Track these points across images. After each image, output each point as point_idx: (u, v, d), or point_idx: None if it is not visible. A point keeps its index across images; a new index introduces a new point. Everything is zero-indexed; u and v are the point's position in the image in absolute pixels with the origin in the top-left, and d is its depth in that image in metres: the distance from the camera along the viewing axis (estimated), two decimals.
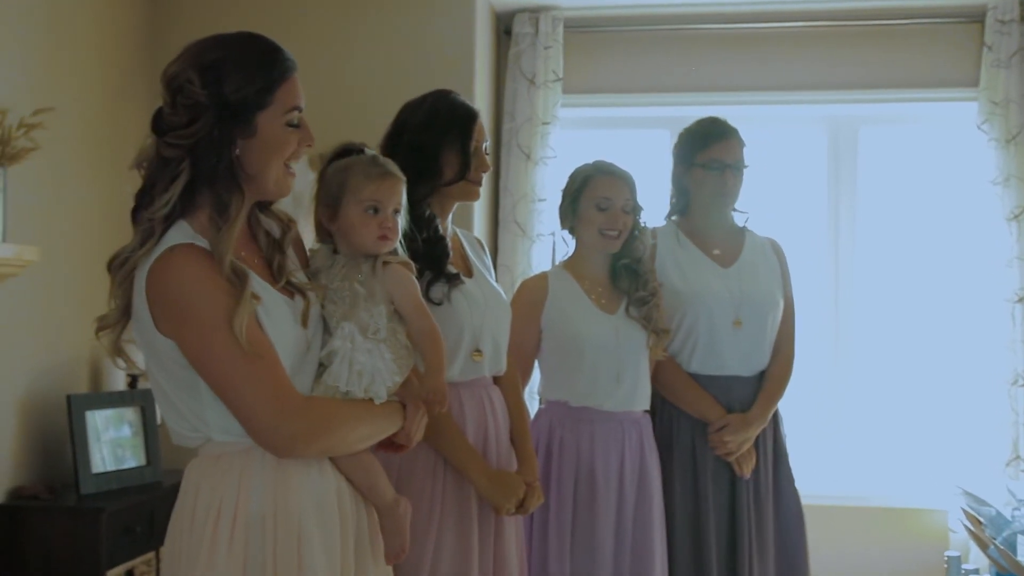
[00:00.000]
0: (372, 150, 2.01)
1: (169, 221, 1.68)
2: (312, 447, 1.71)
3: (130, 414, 3.37)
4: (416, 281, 1.95)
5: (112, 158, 3.53)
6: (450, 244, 2.39)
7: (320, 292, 1.83)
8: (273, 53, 1.76)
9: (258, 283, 1.71)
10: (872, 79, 4.07)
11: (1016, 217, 3.85)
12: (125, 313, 1.70)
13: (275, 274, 1.77)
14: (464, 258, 2.48)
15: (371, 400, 1.80)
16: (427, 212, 2.33)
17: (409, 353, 1.89)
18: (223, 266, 1.63)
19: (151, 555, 3.16)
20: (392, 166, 1.98)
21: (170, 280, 1.62)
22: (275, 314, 1.71)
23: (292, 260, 1.84)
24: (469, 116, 2.38)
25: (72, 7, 3.46)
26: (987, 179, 3.91)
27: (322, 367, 1.80)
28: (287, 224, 1.85)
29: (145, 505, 3.18)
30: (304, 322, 1.76)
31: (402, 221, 1.96)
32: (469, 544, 2.28)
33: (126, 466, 3.30)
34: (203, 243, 1.66)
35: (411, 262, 1.97)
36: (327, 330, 1.82)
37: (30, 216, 3.15)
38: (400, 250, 1.98)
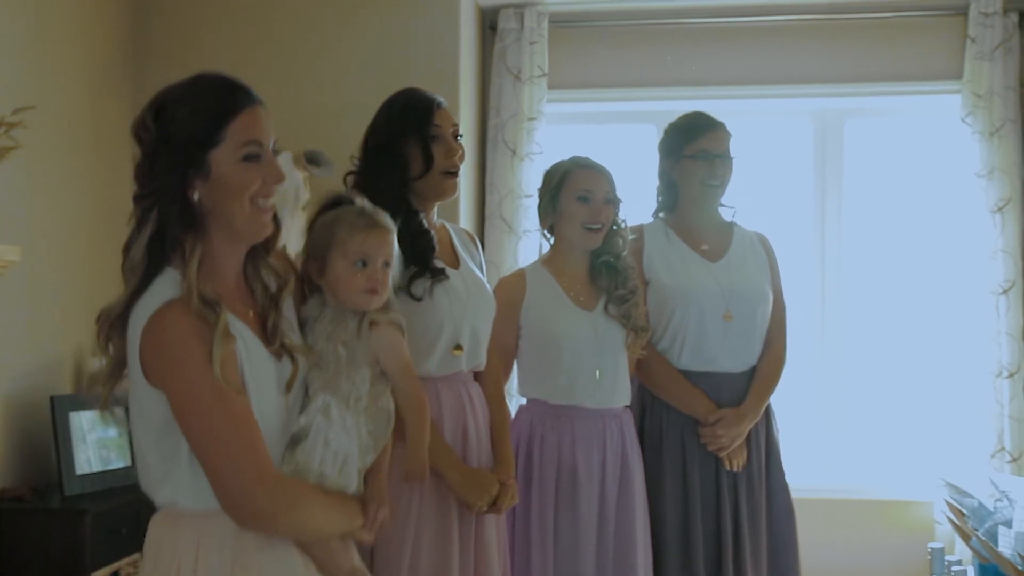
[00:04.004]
0: (362, 200, 1.96)
1: (154, 269, 1.66)
2: (275, 525, 1.69)
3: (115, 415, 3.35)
4: (404, 343, 1.92)
5: (94, 156, 3.52)
6: (435, 236, 2.39)
7: (311, 357, 1.79)
8: (224, 88, 1.71)
9: (250, 340, 1.70)
10: (857, 72, 4.08)
11: (1000, 209, 3.86)
12: (119, 365, 1.68)
13: (268, 334, 1.74)
14: (452, 250, 2.48)
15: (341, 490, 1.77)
16: (406, 206, 2.33)
17: (389, 419, 1.86)
18: (192, 304, 1.61)
19: (136, 556, 3.14)
20: (381, 217, 1.93)
21: (163, 336, 1.61)
22: (261, 377, 1.69)
23: (287, 320, 1.80)
24: (426, 105, 2.38)
25: (53, 5, 3.43)
26: (971, 171, 3.92)
27: (295, 437, 1.76)
28: (284, 279, 1.81)
29: (131, 506, 3.16)
30: (288, 388, 1.74)
31: (393, 273, 1.92)
32: (448, 542, 2.29)
33: (112, 467, 3.28)
34: None
35: (401, 321, 1.94)
36: (307, 393, 1.79)
37: (11, 216, 3.13)
38: (393, 301, 1.94)
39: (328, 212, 1.94)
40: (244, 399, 1.64)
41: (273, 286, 1.79)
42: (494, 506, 2.37)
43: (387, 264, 1.90)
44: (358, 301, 1.86)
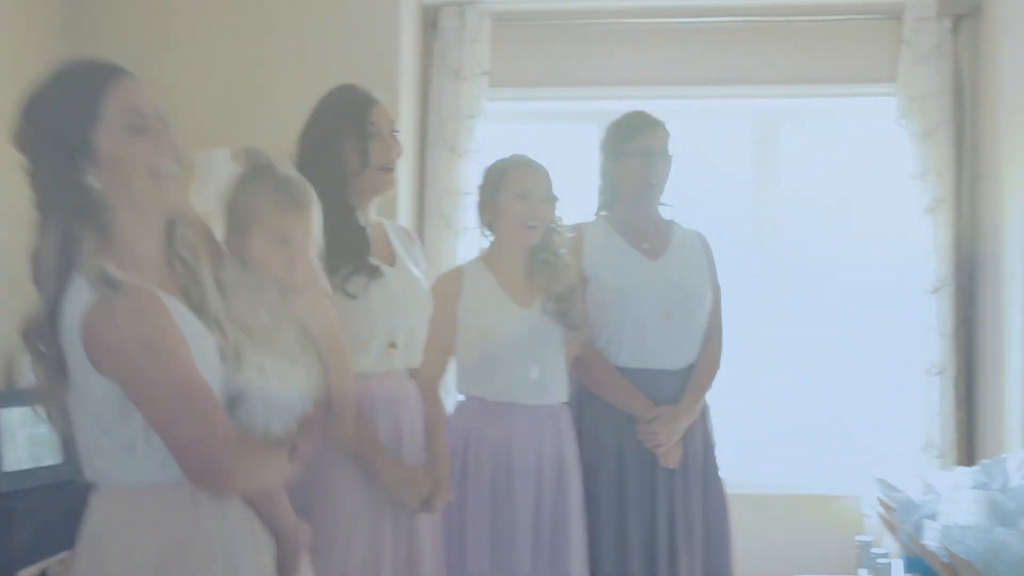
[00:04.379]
0: (283, 167, 1.91)
1: (69, 267, 1.62)
2: (245, 485, 1.72)
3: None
4: (330, 306, 1.91)
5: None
6: (371, 234, 2.39)
7: (238, 325, 1.78)
8: (87, 66, 1.68)
9: (186, 315, 1.69)
10: (794, 74, 4.12)
11: (932, 210, 3.93)
12: (60, 373, 1.65)
13: (195, 308, 1.73)
14: (388, 247, 2.48)
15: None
16: (344, 204, 2.33)
17: (320, 366, 1.85)
18: (119, 289, 1.59)
19: (66, 554, 3.10)
20: (303, 191, 1.89)
21: (106, 327, 1.59)
22: (203, 350, 1.69)
23: (209, 290, 1.78)
24: (362, 102, 2.39)
25: None
26: (906, 173, 3.99)
27: (234, 399, 1.76)
28: (198, 251, 1.78)
29: (62, 504, 3.10)
30: (224, 358, 1.74)
31: (315, 245, 1.89)
32: (380, 539, 2.29)
33: (43, 464, 3.23)
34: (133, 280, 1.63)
35: (326, 283, 1.92)
36: (238, 356, 1.78)
37: None
38: (318, 268, 1.91)
39: (249, 178, 1.88)
40: (197, 372, 1.64)
41: (191, 259, 1.77)
42: (428, 504, 2.37)
43: (308, 239, 1.85)
44: (279, 277, 1.83)
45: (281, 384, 1.76)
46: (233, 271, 1.85)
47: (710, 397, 3.05)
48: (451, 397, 2.96)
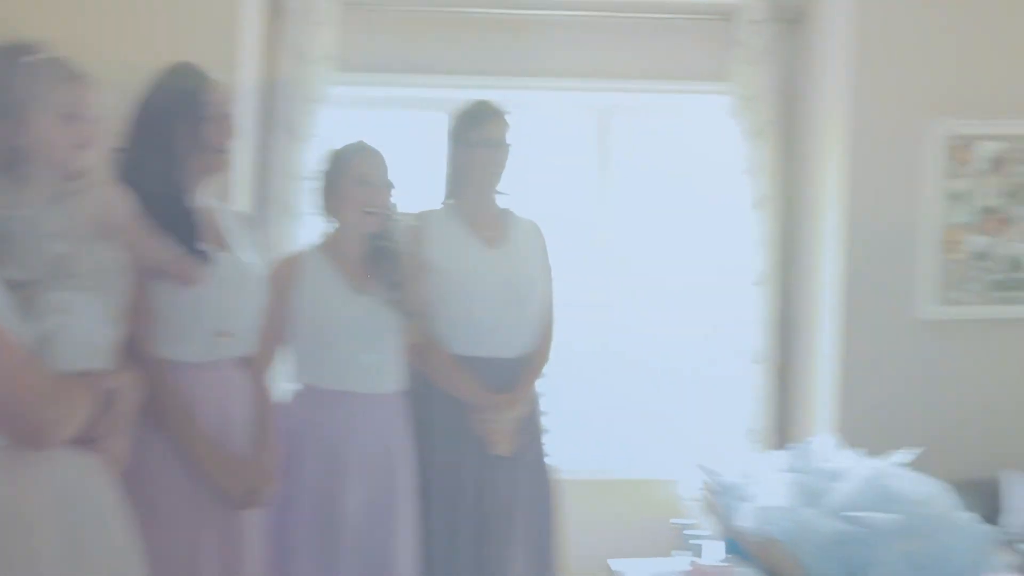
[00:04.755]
0: (51, 49, 1.80)
1: None
2: (66, 432, 1.65)
3: None
4: (123, 193, 1.86)
5: None
6: (201, 218, 2.36)
7: (32, 276, 1.69)
8: None
9: None
10: (634, 70, 4.23)
11: (759, 205, 4.11)
12: None
13: None
14: (219, 232, 2.45)
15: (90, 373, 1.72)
16: (172, 185, 2.29)
17: (122, 278, 1.79)
18: None
19: None
20: (77, 65, 1.80)
21: None
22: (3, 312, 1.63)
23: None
24: (197, 82, 2.35)
25: None
26: (738, 169, 4.16)
27: (40, 342, 1.67)
28: None
29: None
30: (21, 312, 1.67)
31: (103, 129, 1.83)
32: (200, 532, 2.25)
33: None
34: None
35: (112, 182, 1.88)
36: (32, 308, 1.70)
37: None
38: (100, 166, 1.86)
39: (13, 60, 1.75)
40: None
41: None
42: (253, 496, 2.35)
43: (93, 118, 1.77)
44: (67, 157, 1.73)
45: (91, 320, 1.69)
46: (17, 219, 1.72)
47: (544, 384, 3.13)
48: (285, 386, 2.94)
